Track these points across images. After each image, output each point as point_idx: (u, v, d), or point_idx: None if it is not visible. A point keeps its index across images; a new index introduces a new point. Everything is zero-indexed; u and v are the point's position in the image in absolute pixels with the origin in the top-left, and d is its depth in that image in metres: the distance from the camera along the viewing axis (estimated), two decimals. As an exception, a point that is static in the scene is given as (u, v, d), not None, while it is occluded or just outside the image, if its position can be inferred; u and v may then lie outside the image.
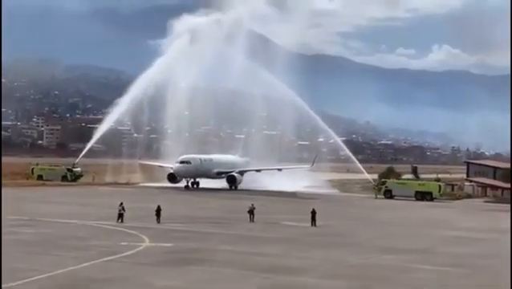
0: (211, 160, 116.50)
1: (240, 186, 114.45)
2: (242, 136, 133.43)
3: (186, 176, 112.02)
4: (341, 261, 42.54)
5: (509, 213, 77.38)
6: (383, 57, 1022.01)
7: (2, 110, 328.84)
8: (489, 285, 37.22)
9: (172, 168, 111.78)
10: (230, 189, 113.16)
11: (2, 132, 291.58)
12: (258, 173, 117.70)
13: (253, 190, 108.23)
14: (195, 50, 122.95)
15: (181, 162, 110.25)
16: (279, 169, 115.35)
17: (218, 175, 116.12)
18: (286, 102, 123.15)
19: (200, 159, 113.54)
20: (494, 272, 40.84)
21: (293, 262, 40.94)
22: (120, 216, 57.87)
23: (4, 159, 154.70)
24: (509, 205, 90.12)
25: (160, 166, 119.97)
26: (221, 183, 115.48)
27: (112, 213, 58.91)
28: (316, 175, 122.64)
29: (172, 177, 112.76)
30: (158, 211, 58.80)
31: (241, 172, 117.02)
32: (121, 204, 58.36)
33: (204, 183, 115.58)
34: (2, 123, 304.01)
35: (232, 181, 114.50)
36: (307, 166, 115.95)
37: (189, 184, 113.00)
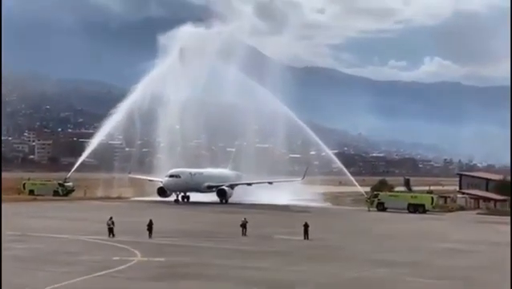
0: (201, 173, 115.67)
1: (232, 200, 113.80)
2: (233, 150, 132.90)
3: (176, 190, 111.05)
4: (335, 274, 42.40)
5: (502, 225, 77.56)
6: (374, 69, 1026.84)
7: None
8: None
9: (161, 182, 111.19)
10: (221, 202, 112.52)
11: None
12: (250, 186, 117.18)
13: (245, 204, 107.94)
14: (186, 63, 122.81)
15: (171, 176, 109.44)
16: (270, 182, 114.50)
17: (209, 189, 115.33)
18: (278, 115, 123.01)
19: (190, 173, 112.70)
20: (487, 284, 40.79)
21: (287, 276, 40.82)
22: (110, 230, 57.51)
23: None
24: (503, 217, 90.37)
25: (149, 180, 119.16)
26: (212, 197, 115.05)
27: (104, 227, 58.53)
28: (308, 188, 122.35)
29: (162, 191, 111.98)
30: (150, 225, 58.42)
31: (232, 186, 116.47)
32: (110, 218, 58.02)
33: (195, 197, 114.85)
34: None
35: (222, 194, 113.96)
36: (298, 179, 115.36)
37: (179, 198, 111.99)
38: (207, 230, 67.91)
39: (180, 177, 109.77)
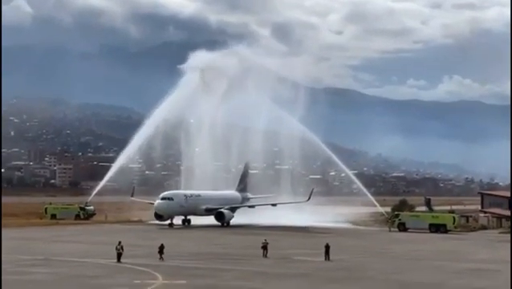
0: (198, 196, 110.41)
1: (250, 222, 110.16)
2: (254, 172, 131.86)
3: (168, 213, 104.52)
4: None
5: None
6: (393, 89, 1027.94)
7: (15, 150, 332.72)
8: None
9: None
10: (222, 226, 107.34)
11: (16, 173, 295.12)
12: (266, 208, 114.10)
13: (264, 226, 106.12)
14: (205, 86, 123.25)
15: (162, 198, 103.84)
16: (274, 205, 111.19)
17: (208, 212, 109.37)
18: (297, 136, 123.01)
19: (185, 195, 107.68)
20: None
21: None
22: (119, 255, 56.52)
23: (17, 199, 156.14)
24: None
25: (150, 203, 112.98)
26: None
27: (125, 251, 58.31)
28: (328, 209, 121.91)
29: (158, 215, 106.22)
30: (161, 248, 57.99)
31: (233, 209, 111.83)
32: (119, 243, 57.08)
33: (199, 220, 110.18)
34: (16, 163, 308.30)
35: (220, 217, 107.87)
36: (303, 201, 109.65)
37: (173, 221, 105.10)
38: (226, 252, 67.81)
39: (172, 199, 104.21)
